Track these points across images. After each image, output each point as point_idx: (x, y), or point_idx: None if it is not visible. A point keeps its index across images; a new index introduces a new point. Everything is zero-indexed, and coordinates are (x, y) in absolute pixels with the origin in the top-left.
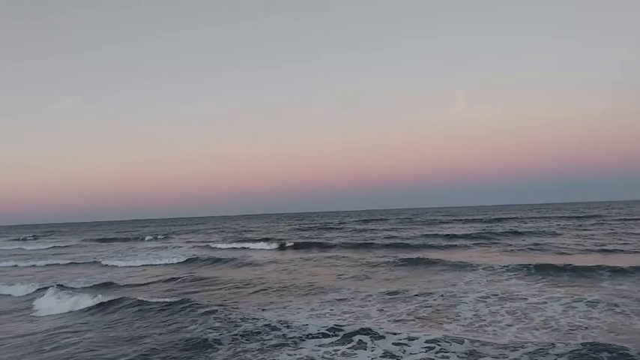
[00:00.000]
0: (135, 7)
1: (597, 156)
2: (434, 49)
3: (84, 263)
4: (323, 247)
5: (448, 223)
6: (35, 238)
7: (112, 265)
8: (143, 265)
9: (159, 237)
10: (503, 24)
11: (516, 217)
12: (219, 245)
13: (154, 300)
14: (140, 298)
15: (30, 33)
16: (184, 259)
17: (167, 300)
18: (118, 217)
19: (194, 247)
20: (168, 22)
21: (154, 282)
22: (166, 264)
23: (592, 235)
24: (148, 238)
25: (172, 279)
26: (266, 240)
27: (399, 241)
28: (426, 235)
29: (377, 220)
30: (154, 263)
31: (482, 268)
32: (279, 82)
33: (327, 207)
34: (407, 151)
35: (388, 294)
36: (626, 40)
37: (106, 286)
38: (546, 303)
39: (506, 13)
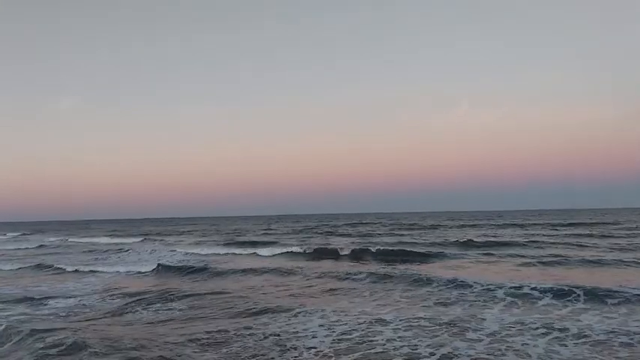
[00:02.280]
0: (138, 7)
1: (604, 161)
2: (437, 52)
3: (41, 268)
4: (322, 254)
5: (452, 228)
6: (22, 235)
7: (70, 271)
8: (100, 272)
9: (148, 237)
10: (508, 27)
11: (523, 224)
12: (205, 250)
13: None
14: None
15: (31, 33)
16: (152, 267)
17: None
18: (119, 216)
19: (175, 251)
20: (171, 22)
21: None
22: (130, 273)
23: (621, 245)
24: (133, 240)
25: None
26: (257, 244)
27: (409, 248)
28: (433, 244)
29: (380, 224)
30: (109, 271)
31: (508, 289)
32: (279, 83)
33: (328, 209)
34: (408, 154)
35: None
36: (633, 44)
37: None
38: None
39: (511, 15)
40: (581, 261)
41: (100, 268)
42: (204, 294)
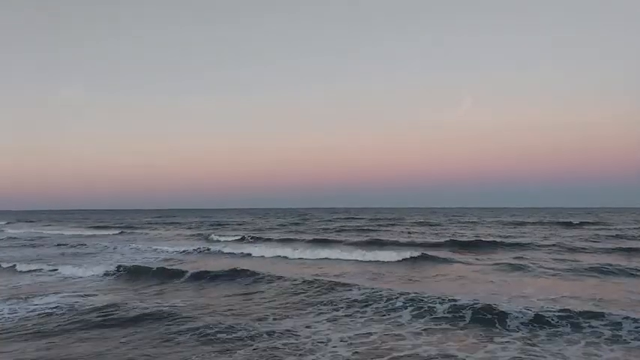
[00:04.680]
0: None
1: (607, 160)
2: (438, 50)
3: None
4: (317, 255)
5: (454, 225)
6: (6, 224)
7: (5, 268)
8: (40, 271)
9: (130, 229)
10: (510, 26)
11: (525, 222)
12: (185, 246)
13: None
14: None
15: (34, 25)
16: (109, 268)
17: None
18: (122, 206)
19: (151, 247)
20: (173, 17)
21: None
22: (77, 275)
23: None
24: (112, 232)
25: None
26: (247, 241)
27: (411, 249)
28: (433, 244)
29: (381, 219)
30: (50, 269)
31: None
32: (281, 79)
33: (326, 204)
34: (408, 152)
35: None
36: (635, 44)
37: None
38: None
39: (514, 15)
40: (596, 270)
41: (44, 267)
42: (164, 312)
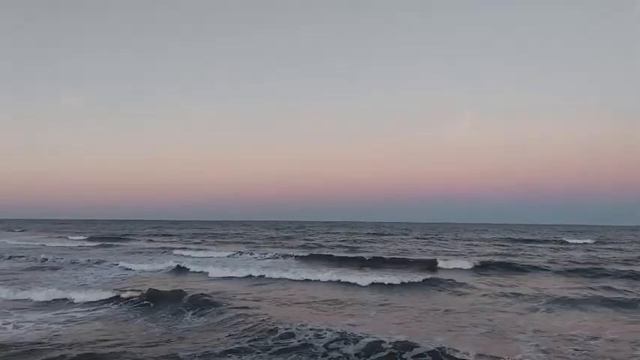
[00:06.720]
0: (141, 9)
1: (604, 178)
2: (440, 66)
3: None
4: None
5: (459, 241)
6: None
7: None
8: None
9: (115, 243)
10: (511, 44)
11: (537, 240)
12: (153, 264)
13: None
14: None
15: (33, 32)
16: (47, 298)
17: None
18: (122, 217)
19: (124, 265)
20: (172, 25)
21: None
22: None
23: None
24: (92, 244)
25: None
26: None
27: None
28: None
29: (380, 234)
30: None
31: None
32: (282, 91)
33: (325, 217)
34: (409, 166)
35: None
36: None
37: None
38: None
39: (515, 33)
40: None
41: None
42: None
